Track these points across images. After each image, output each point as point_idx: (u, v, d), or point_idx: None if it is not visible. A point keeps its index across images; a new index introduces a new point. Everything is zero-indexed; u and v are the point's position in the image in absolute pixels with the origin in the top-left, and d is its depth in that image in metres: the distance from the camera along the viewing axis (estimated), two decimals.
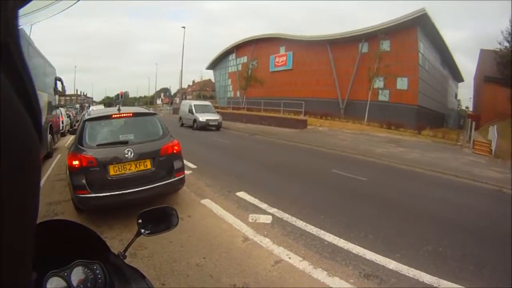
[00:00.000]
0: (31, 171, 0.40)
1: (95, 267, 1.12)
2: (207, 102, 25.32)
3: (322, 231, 4.58)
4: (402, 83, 27.73)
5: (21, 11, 0.45)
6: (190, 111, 22.28)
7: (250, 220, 5.00)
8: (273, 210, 5.40)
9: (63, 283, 1.08)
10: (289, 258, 3.81)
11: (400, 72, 26.18)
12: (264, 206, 5.62)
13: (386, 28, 27.66)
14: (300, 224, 4.85)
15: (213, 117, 21.48)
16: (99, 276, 1.12)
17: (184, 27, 39.93)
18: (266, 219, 5.05)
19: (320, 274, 3.47)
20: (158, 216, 1.49)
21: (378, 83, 26.55)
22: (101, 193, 4.73)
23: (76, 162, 4.76)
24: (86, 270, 1.11)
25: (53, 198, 6.61)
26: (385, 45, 26.91)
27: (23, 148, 0.38)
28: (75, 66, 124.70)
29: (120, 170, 4.89)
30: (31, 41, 9.53)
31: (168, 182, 5.18)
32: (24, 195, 0.39)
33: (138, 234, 1.39)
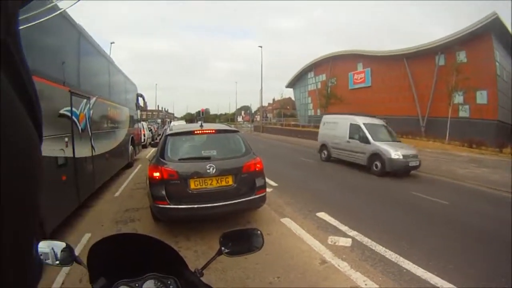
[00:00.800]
0: (32, 171, 0.40)
1: (169, 282, 1.15)
2: (378, 120, 13.76)
3: (401, 258, 4.37)
4: (481, 97, 25.42)
5: (22, 11, 0.45)
6: (359, 135, 12.29)
7: (329, 242, 4.91)
8: (353, 233, 5.26)
9: None
10: (365, 284, 3.69)
11: (478, 84, 23.88)
12: (344, 228, 5.50)
13: (460, 38, 25.88)
14: (380, 249, 4.68)
15: (409, 151, 11.56)
16: None
17: (261, 46, 41.80)
18: (345, 242, 4.94)
19: None
20: (242, 237, 1.45)
21: (458, 98, 24.53)
22: (180, 205, 4.89)
23: (157, 174, 4.96)
24: (158, 283, 1.14)
25: (131, 205, 7.03)
26: (462, 56, 25.15)
27: (23, 148, 0.38)
28: (156, 84, 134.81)
29: (201, 184, 4.99)
30: (112, 60, 10.34)
31: (249, 199, 5.18)
32: (25, 196, 0.39)
33: (219, 253, 1.35)
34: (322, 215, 6.18)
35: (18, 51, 0.40)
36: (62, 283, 3.79)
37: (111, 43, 30.86)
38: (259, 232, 1.47)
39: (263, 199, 5.46)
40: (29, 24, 3.00)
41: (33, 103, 0.43)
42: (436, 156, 17.32)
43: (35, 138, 0.42)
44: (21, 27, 0.45)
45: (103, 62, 8.98)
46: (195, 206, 4.89)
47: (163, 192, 4.89)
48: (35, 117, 0.43)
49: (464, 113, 25.99)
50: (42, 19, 3.07)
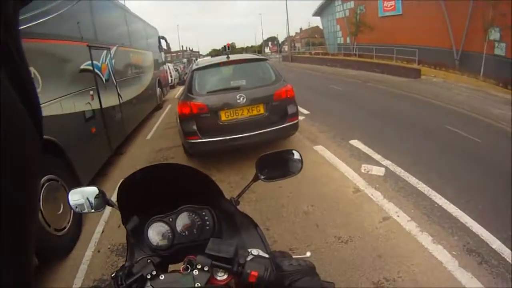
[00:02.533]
0: (32, 171, 0.40)
1: (204, 213, 1.12)
2: None
3: (433, 192, 4.29)
4: None
5: (22, 11, 0.46)
6: None
7: (363, 171, 4.88)
8: (386, 162, 5.18)
9: (166, 228, 1.10)
10: (398, 216, 3.69)
11: None
12: (377, 157, 5.42)
13: None
14: (413, 180, 4.60)
15: None
16: (208, 222, 1.12)
17: None
18: (378, 171, 4.89)
19: (425, 239, 3.31)
20: (278, 161, 1.38)
21: (494, 34, 22.04)
22: (212, 138, 4.93)
23: (186, 109, 4.97)
24: (193, 215, 1.12)
25: (163, 145, 7.20)
26: None
27: (23, 148, 0.39)
28: (178, 25, 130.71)
29: (232, 115, 4.98)
30: (127, 8, 10.16)
31: (281, 127, 5.16)
32: (24, 194, 0.39)
33: (256, 178, 1.31)
34: (355, 142, 6.10)
35: (18, 51, 0.41)
36: (102, 232, 4.07)
37: None
38: (297, 153, 1.39)
39: (295, 127, 5.45)
40: (31, 24, 3.01)
41: (33, 102, 0.43)
42: (470, 92, 16.37)
43: (35, 137, 0.42)
44: (21, 27, 0.47)
45: (118, 12, 8.89)
46: (228, 137, 4.92)
47: (194, 127, 4.92)
48: (35, 116, 0.43)
49: (500, 51, 23.55)
50: (42, 19, 3.20)
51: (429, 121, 8.77)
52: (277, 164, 1.37)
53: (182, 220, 1.11)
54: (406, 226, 3.54)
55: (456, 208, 3.94)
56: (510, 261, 3.09)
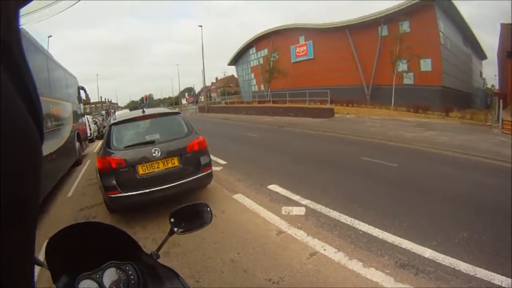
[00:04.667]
0: (32, 171, 0.40)
1: (127, 268, 1.12)
2: None
3: (356, 221, 4.49)
4: (425, 65, 26.89)
5: (22, 11, 0.45)
6: None
7: (283, 213, 4.97)
8: (306, 202, 5.34)
9: (95, 285, 1.08)
10: (324, 250, 3.77)
11: (423, 53, 25.24)
12: (296, 197, 5.58)
13: (404, 9, 26.82)
14: (334, 214, 4.78)
15: None
16: (132, 276, 1.11)
17: (201, 26, 41.56)
18: (299, 211, 5.00)
19: (355, 265, 3.41)
20: (191, 213, 1.46)
21: (402, 66, 25.86)
22: (132, 191, 4.91)
23: (106, 164, 4.97)
24: (118, 271, 1.11)
25: (85, 203, 6.88)
26: (405, 26, 26.17)
27: (24, 148, 0.38)
28: (97, 74, 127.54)
29: (148, 169, 5.05)
30: (50, 55, 9.83)
31: (196, 177, 5.28)
32: (25, 196, 0.38)
33: (171, 232, 1.36)
34: (273, 187, 6.25)
35: (19, 50, 0.40)
36: None
37: (49, 36, 29.66)
38: (206, 205, 1.49)
39: (210, 176, 5.59)
40: (30, 24, 2.74)
41: (34, 102, 0.43)
42: (383, 122, 18.15)
43: (36, 138, 0.41)
44: (21, 26, 0.46)
45: (40, 57, 8.34)
46: (146, 190, 4.95)
47: (114, 182, 4.91)
48: (36, 117, 0.43)
49: (408, 80, 27.53)
50: (43, 19, 3.24)
51: (345, 155, 9.46)
52: (191, 217, 1.44)
53: (109, 276, 1.10)
54: (334, 257, 3.60)
55: (382, 231, 4.14)
56: (446, 264, 3.33)
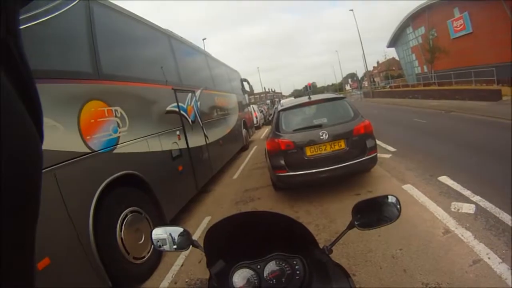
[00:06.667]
0: (32, 171, 0.40)
1: (294, 262, 1.09)
2: None
3: None
4: None
5: (22, 11, 0.46)
6: None
7: (453, 209, 4.51)
8: (476, 198, 4.70)
9: (253, 275, 1.07)
10: (489, 258, 3.25)
11: None
12: (467, 193, 4.96)
13: None
14: (504, 217, 4.03)
15: None
16: (298, 272, 1.07)
17: (351, 10, 41.49)
18: (469, 208, 4.45)
19: None
20: (375, 207, 1.30)
21: None
22: (299, 171, 5.31)
23: (275, 146, 5.46)
24: (283, 263, 1.08)
25: (250, 185, 7.35)
26: None
27: (24, 148, 0.38)
28: (258, 67, 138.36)
29: (316, 150, 5.36)
30: (208, 54, 10.75)
31: (361, 160, 5.37)
32: (25, 195, 0.39)
33: (351, 226, 1.23)
34: (444, 179, 5.69)
35: (19, 50, 0.41)
36: (182, 265, 4.23)
37: (203, 39, 33.48)
38: (394, 199, 1.30)
39: (374, 160, 5.60)
40: (30, 24, 2.97)
41: (34, 102, 0.43)
42: None
43: (36, 138, 0.42)
44: (21, 27, 0.46)
45: (199, 57, 9.40)
46: (312, 171, 5.28)
47: (282, 162, 5.37)
48: (36, 117, 0.43)
49: None
50: (43, 19, 3.22)
51: None
52: (373, 211, 1.30)
53: (271, 268, 1.09)
54: (496, 268, 3.09)
55: None
56: None
